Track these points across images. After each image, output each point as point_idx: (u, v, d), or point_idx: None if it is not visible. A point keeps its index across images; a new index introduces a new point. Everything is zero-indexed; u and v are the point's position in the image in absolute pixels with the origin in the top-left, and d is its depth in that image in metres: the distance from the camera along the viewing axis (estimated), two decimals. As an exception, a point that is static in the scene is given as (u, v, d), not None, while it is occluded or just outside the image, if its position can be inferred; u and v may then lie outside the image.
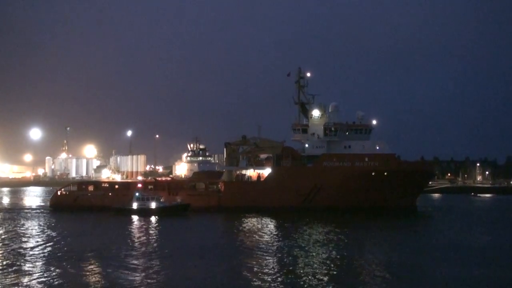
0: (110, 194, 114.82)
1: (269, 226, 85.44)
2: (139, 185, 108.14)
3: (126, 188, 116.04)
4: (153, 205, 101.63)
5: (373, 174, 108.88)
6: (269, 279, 45.79)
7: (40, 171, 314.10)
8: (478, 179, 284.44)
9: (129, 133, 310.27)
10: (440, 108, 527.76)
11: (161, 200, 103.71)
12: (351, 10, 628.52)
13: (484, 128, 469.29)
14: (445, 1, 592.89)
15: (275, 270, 49.78)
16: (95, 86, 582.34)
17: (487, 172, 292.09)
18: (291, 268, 50.41)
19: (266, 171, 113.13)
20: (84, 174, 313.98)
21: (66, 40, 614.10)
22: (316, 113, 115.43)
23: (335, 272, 48.62)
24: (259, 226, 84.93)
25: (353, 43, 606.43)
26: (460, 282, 46.39)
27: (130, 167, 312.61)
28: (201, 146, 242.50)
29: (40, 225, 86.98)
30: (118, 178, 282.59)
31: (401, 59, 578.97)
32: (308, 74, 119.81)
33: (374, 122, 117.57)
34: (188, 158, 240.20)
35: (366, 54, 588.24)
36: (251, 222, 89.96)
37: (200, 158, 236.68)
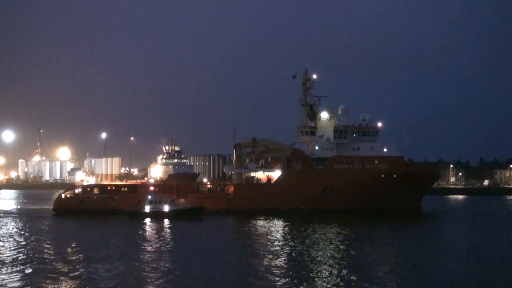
0: (117, 197, 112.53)
1: (281, 228, 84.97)
2: (152, 188, 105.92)
3: (134, 191, 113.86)
4: (166, 208, 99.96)
5: (382, 176, 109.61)
6: (279, 280, 45.95)
7: (13, 174, 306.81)
8: (452, 180, 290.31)
9: (104, 135, 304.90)
10: (413, 111, 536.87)
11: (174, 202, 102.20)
12: (358, 12, 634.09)
13: (458, 130, 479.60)
14: (449, 6, 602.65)
15: (287, 271, 49.84)
16: (69, 87, 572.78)
17: (460, 174, 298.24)
18: (301, 270, 50.06)
19: (276, 174, 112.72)
20: (58, 177, 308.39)
21: (39, 41, 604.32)
22: (324, 115, 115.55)
23: (344, 274, 48.43)
24: (272, 229, 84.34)
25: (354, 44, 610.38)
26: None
27: (105, 169, 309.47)
28: (177, 148, 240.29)
29: (55, 230, 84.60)
30: (92, 181, 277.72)
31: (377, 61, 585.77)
32: (314, 76, 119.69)
33: (380, 124, 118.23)
34: (163, 160, 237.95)
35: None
36: (263, 225, 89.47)
37: (176, 160, 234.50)
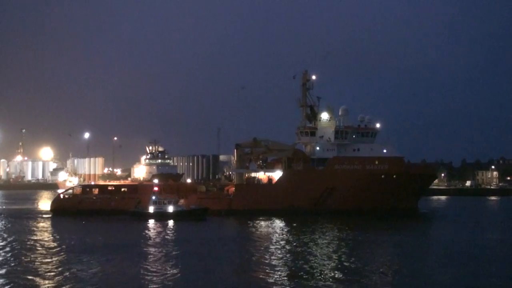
0: (116, 197, 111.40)
1: (282, 229, 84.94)
2: (156, 188, 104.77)
3: (134, 191, 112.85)
4: (170, 208, 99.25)
5: (382, 177, 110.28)
6: (278, 281, 46.27)
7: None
8: (435, 181, 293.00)
9: (87, 135, 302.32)
10: (396, 111, 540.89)
11: (179, 203, 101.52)
12: (356, 13, 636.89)
13: (441, 131, 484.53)
14: (446, 8, 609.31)
15: (285, 272, 50.10)
16: (51, 87, 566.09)
17: (443, 174, 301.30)
18: (300, 272, 50.13)
19: (276, 174, 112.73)
20: (40, 177, 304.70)
21: (21, 40, 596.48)
22: (325, 116, 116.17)
23: (343, 275, 48.70)
24: (272, 230, 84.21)
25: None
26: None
27: (88, 169, 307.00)
28: (160, 149, 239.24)
29: (60, 232, 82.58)
30: (75, 181, 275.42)
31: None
32: (313, 77, 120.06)
33: (378, 125, 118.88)
34: (147, 160, 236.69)
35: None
36: (264, 226, 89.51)
37: (159, 160, 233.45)
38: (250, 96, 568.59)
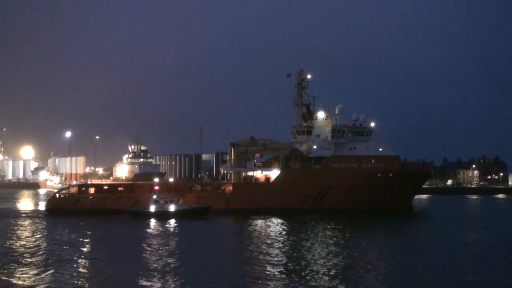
0: (113, 196, 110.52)
1: (280, 228, 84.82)
2: (156, 187, 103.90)
3: (130, 191, 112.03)
4: (171, 208, 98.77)
5: (379, 175, 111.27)
6: (276, 280, 46.30)
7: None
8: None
9: (68, 134, 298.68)
10: (377, 110, 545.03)
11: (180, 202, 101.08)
12: (350, 12, 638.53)
13: (421, 130, 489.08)
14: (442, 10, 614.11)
15: (282, 273, 49.63)
16: (33, 85, 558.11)
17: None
18: (296, 272, 49.88)
19: (274, 173, 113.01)
20: (21, 176, 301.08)
21: (1, 39, 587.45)
22: (321, 114, 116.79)
23: (338, 274, 48.48)
24: (270, 229, 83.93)
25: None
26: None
27: (69, 168, 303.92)
28: (143, 148, 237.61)
29: (61, 232, 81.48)
30: (56, 180, 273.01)
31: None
32: (309, 76, 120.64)
33: (373, 124, 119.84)
34: (129, 159, 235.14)
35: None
36: (262, 225, 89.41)
37: (141, 159, 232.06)
38: (242, 95, 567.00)
